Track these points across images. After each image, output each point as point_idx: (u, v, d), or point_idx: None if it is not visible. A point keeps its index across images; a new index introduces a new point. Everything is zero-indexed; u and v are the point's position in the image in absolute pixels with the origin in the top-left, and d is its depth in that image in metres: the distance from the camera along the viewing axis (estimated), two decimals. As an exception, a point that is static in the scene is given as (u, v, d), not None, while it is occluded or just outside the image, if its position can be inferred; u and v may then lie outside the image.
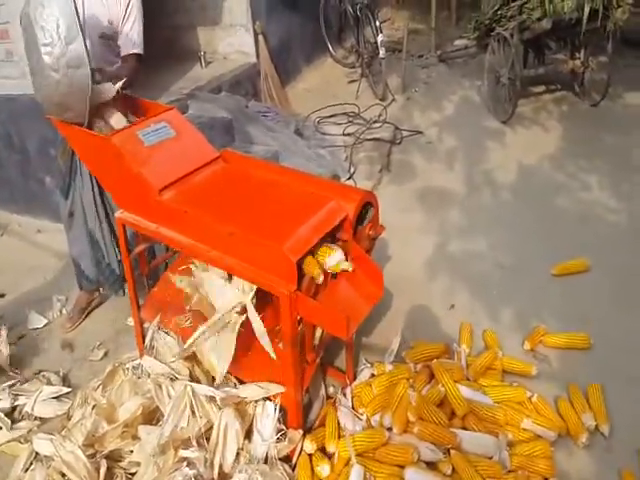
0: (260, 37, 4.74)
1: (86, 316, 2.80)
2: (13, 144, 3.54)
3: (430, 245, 3.11)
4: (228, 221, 1.77)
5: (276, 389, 1.87)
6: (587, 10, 3.84)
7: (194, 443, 1.79)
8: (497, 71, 4.46)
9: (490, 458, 1.82)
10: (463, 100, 4.94)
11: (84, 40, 1.82)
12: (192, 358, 2.08)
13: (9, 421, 2.17)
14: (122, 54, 2.40)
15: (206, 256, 1.83)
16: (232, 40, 4.84)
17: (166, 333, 2.18)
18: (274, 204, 1.91)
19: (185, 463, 1.74)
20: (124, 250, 2.12)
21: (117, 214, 2.06)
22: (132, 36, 2.38)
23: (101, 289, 2.80)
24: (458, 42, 6.07)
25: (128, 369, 2.22)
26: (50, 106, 2.00)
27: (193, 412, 1.85)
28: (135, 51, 2.39)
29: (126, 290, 2.61)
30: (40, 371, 2.44)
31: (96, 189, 2.44)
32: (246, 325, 1.92)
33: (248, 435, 1.85)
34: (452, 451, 1.80)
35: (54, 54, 1.80)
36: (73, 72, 1.83)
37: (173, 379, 2.02)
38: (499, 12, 4.49)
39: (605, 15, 3.86)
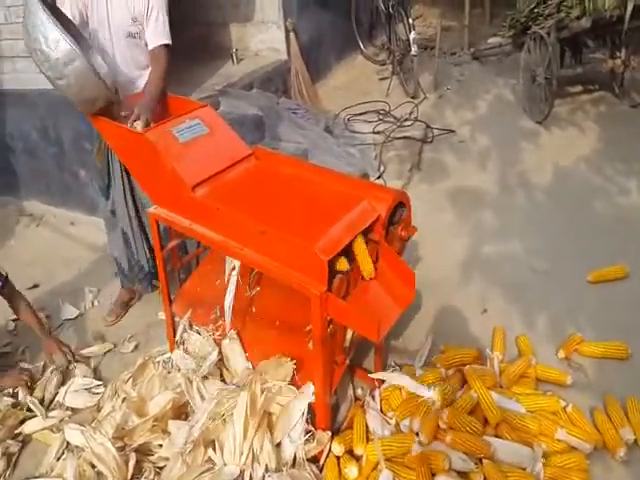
0: (291, 34, 4.73)
1: (127, 310, 2.82)
2: (49, 137, 3.61)
3: (462, 247, 3.05)
4: (260, 219, 1.76)
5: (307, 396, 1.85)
6: (630, 7, 3.70)
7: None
8: (533, 70, 4.35)
9: (523, 469, 1.77)
10: (497, 99, 4.84)
11: (65, 36, 1.85)
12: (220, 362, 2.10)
13: (43, 409, 2.21)
14: (150, 48, 2.34)
15: (238, 254, 1.83)
16: (264, 37, 4.84)
17: (197, 332, 2.19)
18: (306, 202, 1.90)
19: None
20: (157, 245, 2.14)
21: (150, 210, 2.08)
22: (158, 28, 2.32)
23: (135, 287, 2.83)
24: (492, 40, 5.94)
25: (158, 363, 2.24)
26: (79, 104, 2.06)
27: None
28: (163, 42, 2.33)
29: (156, 285, 2.64)
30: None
31: (127, 187, 2.45)
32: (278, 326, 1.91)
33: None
34: (484, 461, 1.75)
35: (51, 65, 1.89)
36: (72, 67, 1.88)
37: (205, 377, 2.03)
38: (536, 10, 4.38)
39: (650, 12, 3.72)
